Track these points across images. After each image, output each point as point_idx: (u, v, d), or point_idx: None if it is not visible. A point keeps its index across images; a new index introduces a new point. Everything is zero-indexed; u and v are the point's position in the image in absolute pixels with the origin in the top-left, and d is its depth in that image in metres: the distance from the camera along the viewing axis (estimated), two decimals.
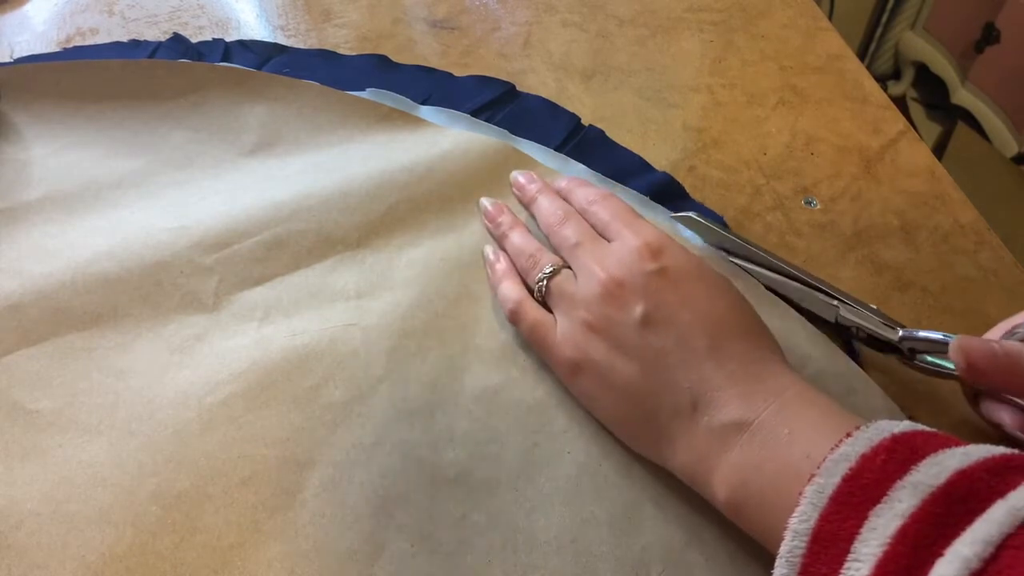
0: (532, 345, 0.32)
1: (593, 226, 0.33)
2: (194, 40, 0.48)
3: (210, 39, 0.48)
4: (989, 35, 0.80)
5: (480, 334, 0.33)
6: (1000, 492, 0.19)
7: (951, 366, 0.30)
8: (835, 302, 0.33)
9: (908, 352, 0.31)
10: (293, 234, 0.36)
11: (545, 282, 0.32)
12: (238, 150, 0.40)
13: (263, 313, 0.34)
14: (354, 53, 0.47)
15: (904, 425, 0.22)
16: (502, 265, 0.35)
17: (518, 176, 0.39)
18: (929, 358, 0.31)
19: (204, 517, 0.28)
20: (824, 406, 0.25)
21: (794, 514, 0.21)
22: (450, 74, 0.46)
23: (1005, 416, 0.29)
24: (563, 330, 0.30)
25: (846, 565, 0.20)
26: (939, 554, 0.18)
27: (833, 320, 0.33)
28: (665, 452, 0.28)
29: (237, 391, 0.31)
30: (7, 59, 0.47)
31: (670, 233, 0.35)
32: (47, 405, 0.31)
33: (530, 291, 0.33)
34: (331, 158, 0.40)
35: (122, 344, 0.33)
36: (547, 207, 0.35)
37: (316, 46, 0.48)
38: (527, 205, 0.38)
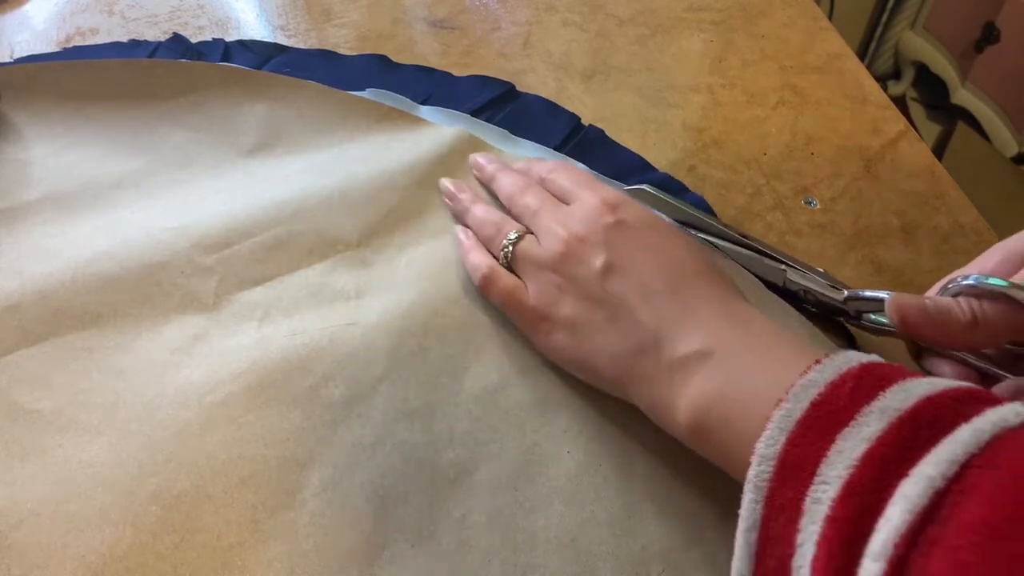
0: (504, 309, 0.33)
1: (553, 194, 0.35)
2: (194, 40, 0.48)
3: (210, 39, 0.48)
4: (989, 35, 0.80)
5: (480, 334, 0.33)
6: (965, 416, 0.19)
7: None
8: (783, 267, 0.34)
9: (854, 312, 0.32)
10: (294, 235, 0.36)
11: (511, 248, 0.33)
12: (238, 150, 0.40)
13: (263, 313, 0.34)
14: (354, 53, 0.47)
15: (872, 356, 0.23)
16: (469, 239, 0.36)
17: (477, 157, 0.40)
18: (873, 316, 0.32)
19: (204, 517, 0.28)
20: (789, 337, 0.26)
21: (761, 438, 0.22)
22: (450, 74, 0.46)
23: (946, 369, 0.31)
24: (533, 292, 0.32)
25: (812, 488, 0.20)
26: (904, 475, 0.19)
27: (782, 284, 0.34)
28: (632, 389, 0.29)
29: (237, 391, 0.31)
30: (7, 59, 0.47)
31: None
32: (47, 405, 0.31)
33: (496, 260, 0.34)
34: (331, 158, 0.40)
35: (122, 344, 0.33)
36: (507, 181, 0.37)
37: (316, 46, 0.48)
38: (488, 184, 0.38)
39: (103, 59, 0.45)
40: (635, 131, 0.43)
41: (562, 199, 0.34)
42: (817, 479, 0.20)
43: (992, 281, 0.27)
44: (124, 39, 0.48)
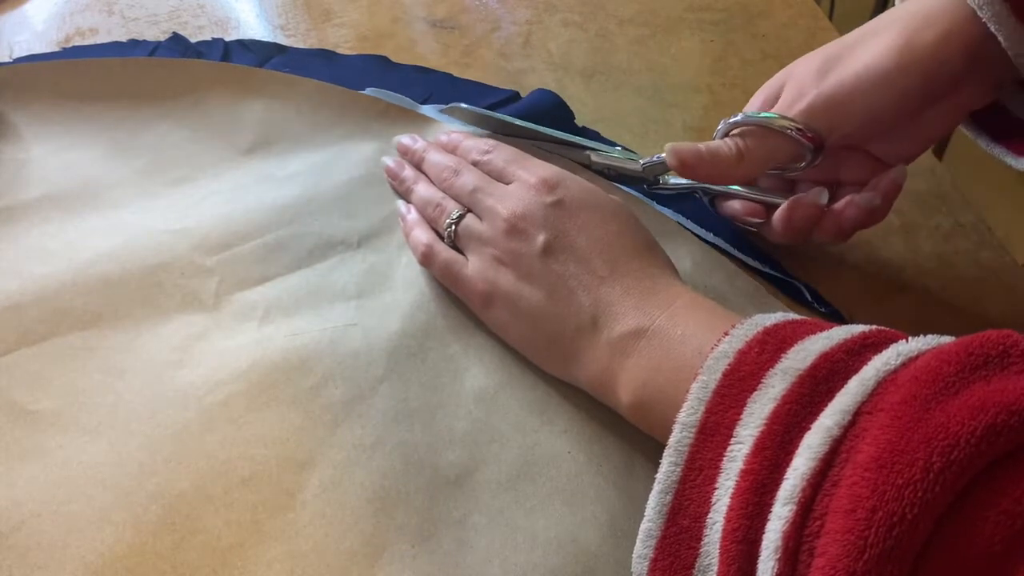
0: (445, 283, 0.34)
1: (488, 174, 0.35)
2: (194, 40, 0.48)
3: (210, 39, 0.48)
4: None
5: (480, 334, 0.33)
6: (855, 369, 0.21)
7: (685, 182, 0.36)
8: (586, 151, 0.38)
9: (652, 178, 0.35)
10: (294, 237, 0.36)
11: (454, 227, 0.34)
12: (237, 149, 0.40)
13: (263, 313, 0.34)
14: (354, 53, 0.47)
15: (776, 317, 0.25)
16: (413, 216, 0.36)
17: (402, 139, 0.40)
18: (668, 179, 0.36)
19: (204, 517, 0.28)
20: (711, 308, 0.27)
21: (682, 409, 0.23)
22: (450, 75, 0.46)
23: (735, 206, 0.36)
24: (474, 266, 0.32)
25: (729, 448, 0.22)
26: (807, 428, 0.20)
27: (588, 164, 0.38)
28: (572, 368, 0.30)
29: (237, 391, 0.31)
30: (7, 59, 0.47)
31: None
32: (47, 405, 0.31)
33: (440, 237, 0.35)
34: (331, 157, 0.40)
35: (123, 344, 0.33)
36: (437, 162, 0.37)
37: (316, 46, 0.48)
38: (417, 165, 0.39)
39: (102, 59, 0.45)
40: (635, 131, 0.43)
41: (499, 178, 0.34)
42: (733, 440, 0.22)
43: (757, 115, 0.31)
44: (124, 39, 0.48)
